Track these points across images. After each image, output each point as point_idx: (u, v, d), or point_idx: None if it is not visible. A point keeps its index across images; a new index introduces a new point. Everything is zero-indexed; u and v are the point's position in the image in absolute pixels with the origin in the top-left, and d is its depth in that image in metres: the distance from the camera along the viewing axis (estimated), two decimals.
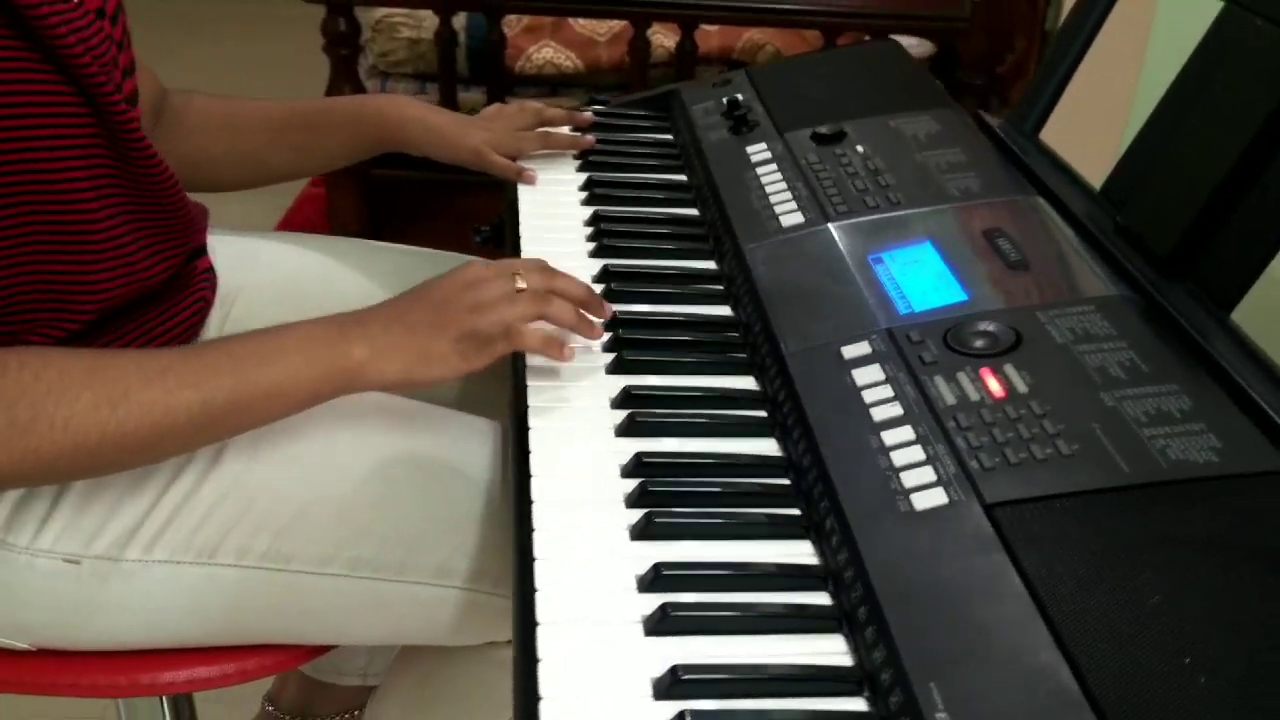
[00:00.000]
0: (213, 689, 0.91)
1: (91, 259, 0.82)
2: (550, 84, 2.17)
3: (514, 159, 1.12)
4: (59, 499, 0.80)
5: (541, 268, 0.86)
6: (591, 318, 0.86)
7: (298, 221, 2.85)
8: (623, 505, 0.73)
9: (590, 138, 1.16)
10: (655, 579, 0.67)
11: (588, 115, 1.19)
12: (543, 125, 1.15)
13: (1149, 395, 0.73)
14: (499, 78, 2.09)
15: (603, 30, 2.15)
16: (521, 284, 0.83)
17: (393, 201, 2.17)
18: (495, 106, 1.17)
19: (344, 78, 2.06)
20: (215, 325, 1.02)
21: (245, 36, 3.79)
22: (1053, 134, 1.77)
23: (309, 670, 1.25)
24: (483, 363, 0.82)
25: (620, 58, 2.10)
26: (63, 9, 0.77)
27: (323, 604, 0.85)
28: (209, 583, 0.82)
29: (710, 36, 2.12)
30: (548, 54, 2.14)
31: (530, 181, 1.11)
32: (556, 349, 0.82)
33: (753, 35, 2.15)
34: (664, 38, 2.09)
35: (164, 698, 1.03)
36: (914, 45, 2.32)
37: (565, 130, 1.17)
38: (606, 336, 0.87)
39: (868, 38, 2.05)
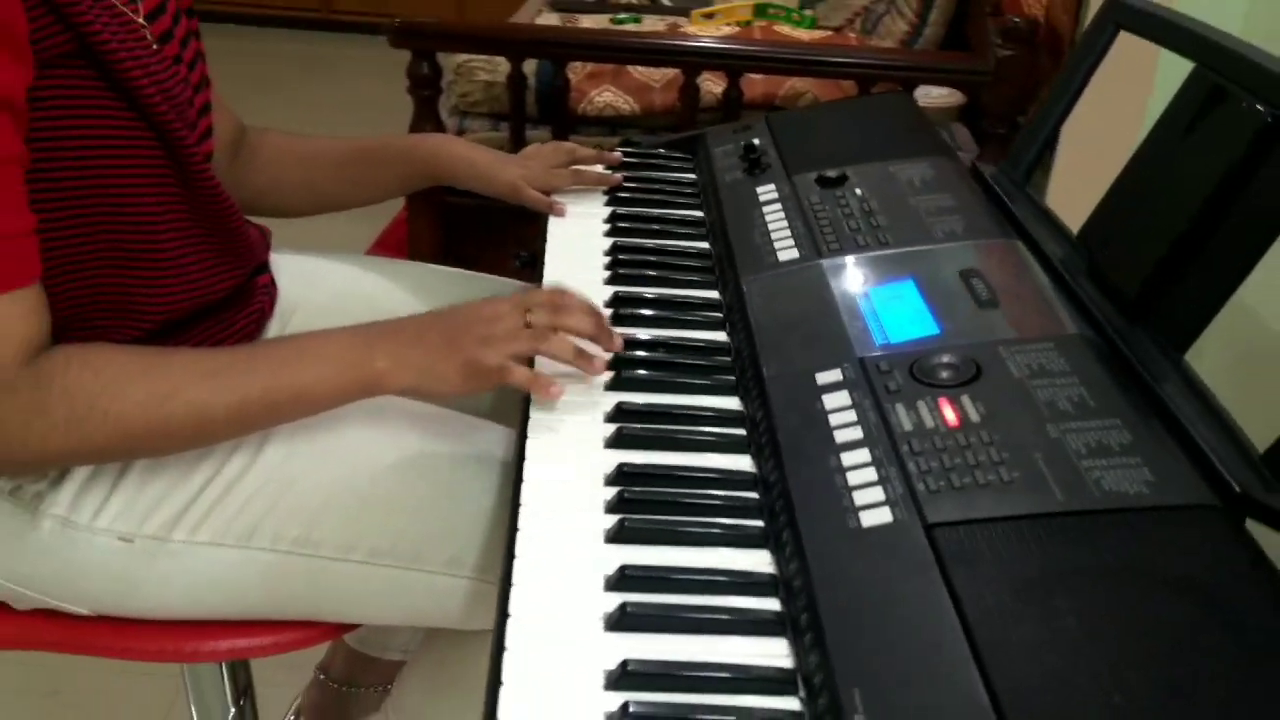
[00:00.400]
0: (249, 658, 0.93)
1: (156, 275, 0.85)
2: (609, 124, 2.18)
3: (548, 193, 1.13)
4: (117, 484, 0.83)
5: (553, 304, 0.85)
6: (598, 350, 0.85)
7: (391, 242, 2.92)
8: (602, 511, 0.73)
9: (618, 176, 1.17)
10: (620, 579, 0.67)
11: (617, 155, 1.20)
12: (575, 163, 1.16)
13: (1092, 429, 0.71)
14: (563, 118, 2.11)
15: (658, 77, 2.16)
16: (530, 319, 0.83)
17: (467, 226, 2.19)
18: (534, 145, 1.18)
19: (425, 116, 2.09)
20: (273, 335, 1.04)
21: (339, 77, 3.88)
22: (1068, 184, 1.73)
23: (356, 645, 1.27)
24: (479, 389, 0.82)
25: (673, 102, 2.10)
26: (142, 55, 0.79)
27: (347, 586, 0.86)
28: (246, 564, 0.84)
29: (755, 84, 2.11)
30: (608, 97, 2.15)
31: (560, 214, 1.12)
32: (542, 388, 0.81)
33: (794, 84, 2.14)
34: (713, 85, 2.08)
35: (223, 665, 1.06)
36: (946, 95, 2.30)
37: (597, 169, 1.18)
38: (609, 375, 0.85)
39: (900, 88, 2.03)
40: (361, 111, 3.53)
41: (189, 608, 0.86)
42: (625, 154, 1.21)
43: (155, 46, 0.83)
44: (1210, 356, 1.27)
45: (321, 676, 1.29)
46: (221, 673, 1.06)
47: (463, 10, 4.24)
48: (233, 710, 1.08)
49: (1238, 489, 0.66)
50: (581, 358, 0.84)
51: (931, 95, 2.26)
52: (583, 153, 1.17)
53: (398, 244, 2.84)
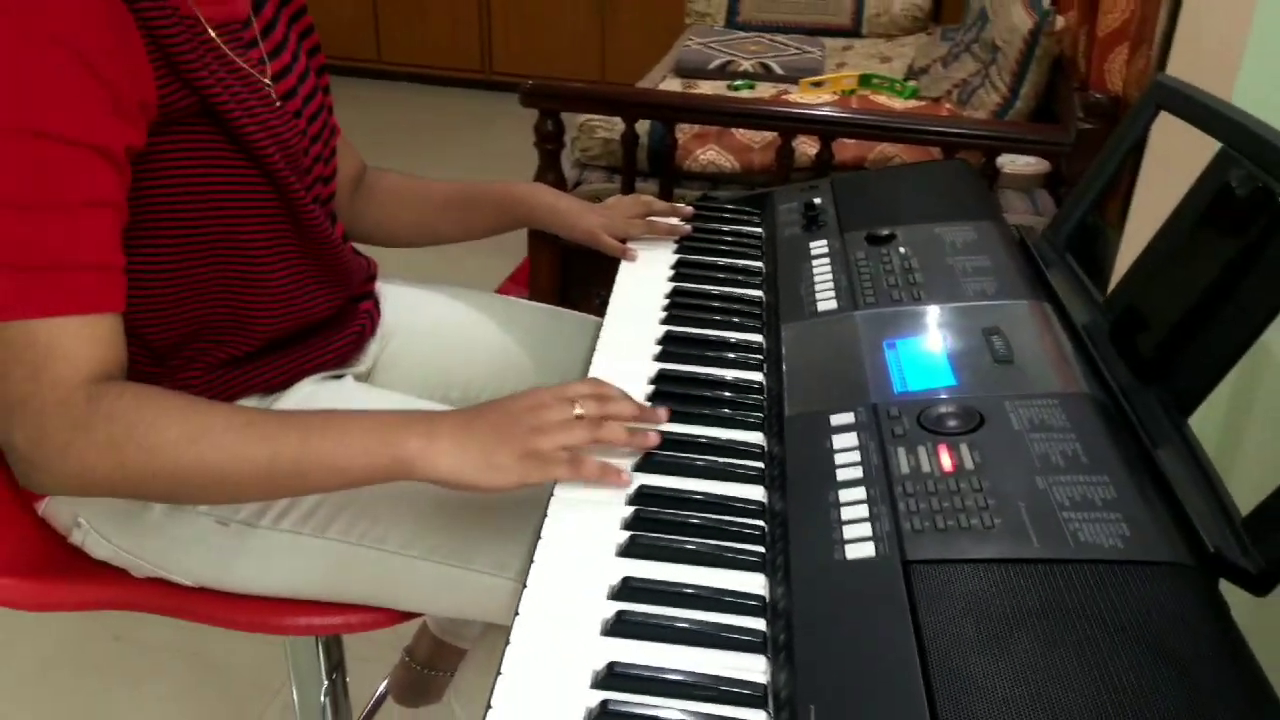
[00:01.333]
0: (322, 634, 0.96)
1: (266, 299, 0.90)
2: (711, 180, 2.20)
3: (623, 241, 1.15)
4: None
5: (597, 394, 0.80)
6: (648, 427, 0.82)
7: (522, 278, 3.01)
8: (618, 527, 0.74)
9: (687, 227, 1.18)
10: (622, 589, 0.68)
11: (688, 209, 1.21)
12: (650, 215, 1.18)
13: (1079, 483, 0.69)
14: (670, 173, 2.14)
15: (758, 139, 2.16)
16: (579, 410, 0.78)
17: (580, 265, 2.23)
18: (615, 197, 1.20)
19: (548, 167, 2.15)
20: (374, 353, 1.09)
21: (493, 129, 4.00)
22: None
23: (438, 633, 1.30)
24: (540, 480, 0.75)
25: (770, 162, 2.10)
26: (260, 112, 0.84)
27: (407, 578, 0.89)
28: (321, 551, 0.88)
29: (847, 148, 2.10)
30: (711, 155, 2.17)
31: (632, 259, 1.14)
32: (615, 476, 0.77)
33: (884, 149, 2.12)
34: (808, 147, 2.08)
35: (318, 641, 1.10)
36: (1034, 163, 2.24)
37: (672, 221, 1.19)
38: (657, 439, 0.81)
39: (983, 156, 1.99)
40: (498, 161, 3.64)
41: (272, 586, 0.90)
42: (698, 208, 1.23)
43: (278, 104, 0.88)
44: (1263, 402, 1.19)
45: (407, 659, 1.33)
46: (317, 648, 1.10)
47: (605, 73, 4.33)
48: (325, 682, 1.13)
49: (1211, 549, 0.63)
50: (635, 438, 0.80)
51: (1018, 163, 2.21)
52: (657, 205, 1.19)
53: (527, 278, 2.92)
